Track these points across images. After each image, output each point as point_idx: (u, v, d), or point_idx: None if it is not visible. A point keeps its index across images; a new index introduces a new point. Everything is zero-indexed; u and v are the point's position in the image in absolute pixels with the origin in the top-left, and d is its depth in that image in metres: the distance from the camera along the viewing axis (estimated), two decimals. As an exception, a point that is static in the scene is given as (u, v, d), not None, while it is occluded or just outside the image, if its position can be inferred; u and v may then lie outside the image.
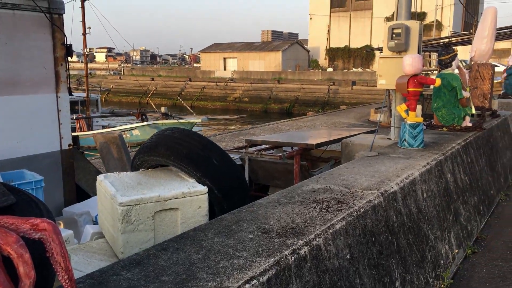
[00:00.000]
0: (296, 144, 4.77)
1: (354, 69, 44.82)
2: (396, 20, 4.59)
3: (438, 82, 3.99)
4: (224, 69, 49.66)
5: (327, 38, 49.29)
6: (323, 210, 2.36)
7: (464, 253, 3.65)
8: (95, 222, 3.07)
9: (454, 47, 5.16)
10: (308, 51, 51.15)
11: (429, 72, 12.11)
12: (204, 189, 2.26)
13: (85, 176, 4.50)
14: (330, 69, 44.73)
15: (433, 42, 13.54)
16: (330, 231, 2.12)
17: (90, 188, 4.26)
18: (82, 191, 4.25)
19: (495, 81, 12.93)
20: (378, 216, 2.56)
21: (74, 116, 15.12)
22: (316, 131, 5.83)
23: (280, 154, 4.59)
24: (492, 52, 6.12)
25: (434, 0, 37.27)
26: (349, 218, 2.30)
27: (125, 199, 2.15)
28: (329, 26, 48.96)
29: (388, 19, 44.18)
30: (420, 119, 4.10)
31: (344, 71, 42.86)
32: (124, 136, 15.51)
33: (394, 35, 4.42)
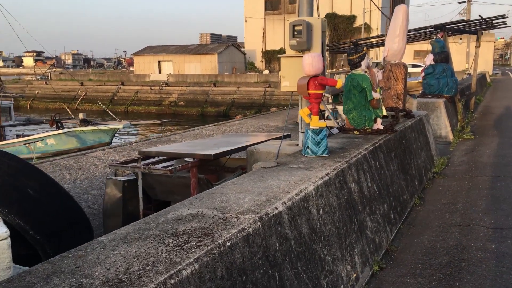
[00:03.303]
0: (192, 155, 4.26)
1: (289, 71, 45.20)
2: (298, 16, 4.24)
3: (340, 83, 3.67)
4: (159, 72, 48.21)
5: (263, 41, 49.48)
6: (176, 249, 1.86)
7: (371, 270, 3.33)
8: None
9: (364, 46, 4.90)
10: (245, 54, 51.10)
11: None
12: (4, 232, 1.67)
13: None
14: (266, 72, 44.89)
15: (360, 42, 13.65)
16: (173, 281, 1.62)
17: None
18: None
19: (416, 81, 13.27)
20: (253, 248, 2.11)
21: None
22: (225, 139, 5.38)
23: (171, 167, 4.05)
24: (404, 51, 6.01)
25: (362, 4, 38.60)
26: (207, 257, 1.82)
27: None
28: (264, 29, 49.19)
29: (320, 22, 45.34)
30: (323, 124, 3.75)
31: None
32: (37, 145, 14.09)
33: (295, 33, 4.05)
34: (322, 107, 12.58)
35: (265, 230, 2.23)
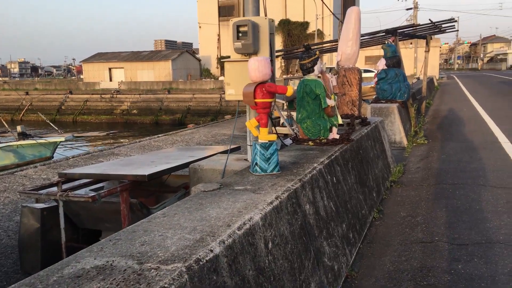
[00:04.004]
0: (122, 177, 3.69)
1: (245, 77, 45.11)
2: (243, 16, 3.80)
3: (291, 90, 3.24)
4: (110, 80, 46.50)
5: (218, 47, 48.98)
6: (61, 329, 1.32)
7: (330, 305, 2.90)
8: None
9: (316, 50, 4.53)
10: (199, 60, 50.41)
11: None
12: None
13: None
14: (222, 78, 44.40)
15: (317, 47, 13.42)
16: None
17: None
18: None
19: (369, 86, 13.24)
20: (177, 311, 1.60)
21: None
22: (168, 153, 4.82)
23: (93, 194, 3.46)
24: (357, 55, 5.73)
25: (315, 10, 39.07)
26: None
27: None
28: (218, 35, 48.74)
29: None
30: (273, 137, 3.31)
31: (235, 79, 42.74)
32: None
33: (240, 34, 3.60)
34: (276, 113, 12.20)
35: (195, 285, 1.73)
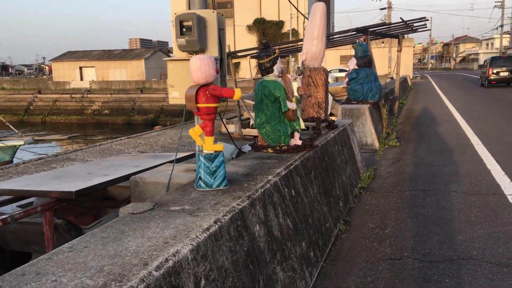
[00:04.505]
0: (46, 193, 3.19)
1: (220, 77, 44.55)
2: (189, 9, 3.36)
3: (238, 94, 2.82)
4: (81, 79, 45.17)
5: (192, 46, 48.09)
6: None
7: None
8: None
9: (276, 48, 4.13)
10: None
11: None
12: None
13: None
14: (196, 77, 43.71)
15: (286, 46, 13.05)
16: None
17: None
18: None
19: (341, 86, 12.94)
20: None
21: None
22: (110, 163, 4.32)
23: (6, 215, 2.96)
24: (323, 54, 5.36)
25: (289, 9, 38.85)
26: None
27: None
28: (193, 33, 47.88)
29: (249, 27, 45.01)
30: (220, 147, 2.89)
31: (210, 78, 42.23)
32: None
33: (184, 29, 3.17)
34: (246, 115, 11.67)
35: None
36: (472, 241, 3.85)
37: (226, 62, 3.54)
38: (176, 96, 3.36)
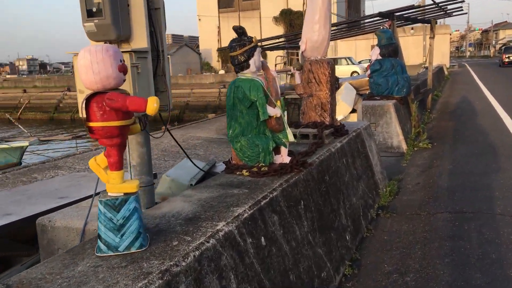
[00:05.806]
0: None
1: (246, 70, 43.76)
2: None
3: (152, 105, 1.79)
4: (108, 76, 45.28)
5: (218, 40, 47.43)
6: None
7: None
8: None
9: (253, 37, 3.08)
10: (199, 54, 49.00)
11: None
12: None
13: None
14: (222, 71, 43.01)
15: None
16: None
17: None
18: None
19: (366, 78, 11.65)
20: None
21: None
22: (39, 189, 3.38)
23: None
24: (328, 43, 4.23)
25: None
26: None
27: None
28: (218, 27, 47.17)
29: (276, 19, 43.63)
30: (132, 187, 1.87)
31: (236, 72, 41.64)
32: None
33: (94, 10, 2.18)
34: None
35: None
36: (531, 303, 2.70)
37: (165, 57, 2.51)
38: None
